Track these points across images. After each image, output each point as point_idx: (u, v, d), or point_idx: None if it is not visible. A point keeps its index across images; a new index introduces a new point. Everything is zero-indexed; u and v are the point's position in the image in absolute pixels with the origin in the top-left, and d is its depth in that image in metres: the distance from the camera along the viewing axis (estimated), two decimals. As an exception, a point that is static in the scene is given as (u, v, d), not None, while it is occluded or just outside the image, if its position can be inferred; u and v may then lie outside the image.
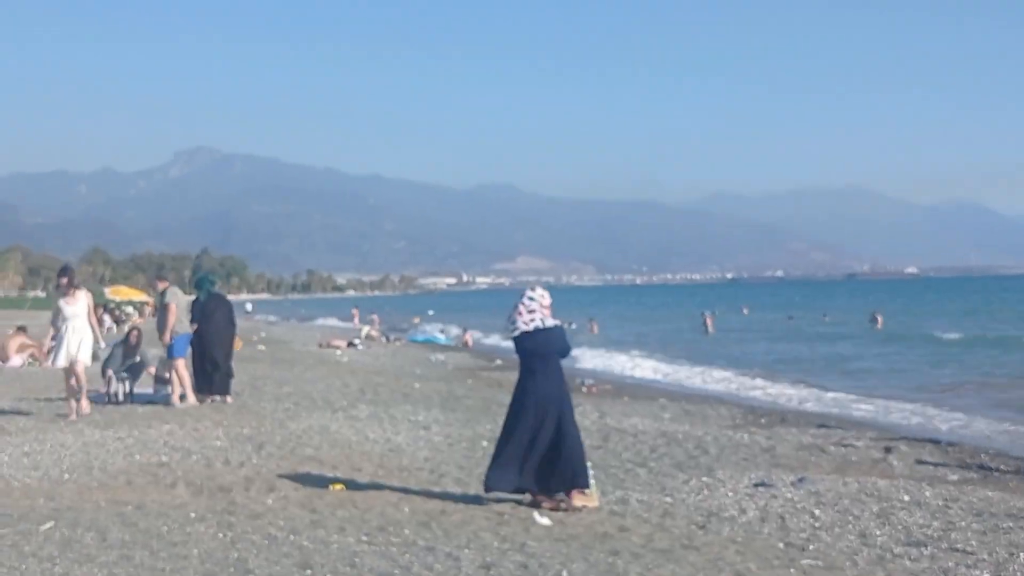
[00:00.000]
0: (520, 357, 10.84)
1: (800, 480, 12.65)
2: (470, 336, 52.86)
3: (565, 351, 10.89)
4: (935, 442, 17.33)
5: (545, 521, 9.91)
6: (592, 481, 11.08)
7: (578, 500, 10.76)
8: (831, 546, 9.29)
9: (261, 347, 41.84)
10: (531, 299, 10.75)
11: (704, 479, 12.82)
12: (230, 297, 22.13)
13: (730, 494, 11.81)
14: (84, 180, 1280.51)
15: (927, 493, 11.73)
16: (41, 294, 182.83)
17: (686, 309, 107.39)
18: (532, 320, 10.62)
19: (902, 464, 14.79)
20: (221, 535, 8.90)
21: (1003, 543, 9.30)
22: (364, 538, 8.89)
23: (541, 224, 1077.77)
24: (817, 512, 10.68)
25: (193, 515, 9.74)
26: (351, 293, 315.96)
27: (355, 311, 71.04)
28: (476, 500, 11.01)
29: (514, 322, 10.70)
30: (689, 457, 14.76)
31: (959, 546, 9.19)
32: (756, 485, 12.39)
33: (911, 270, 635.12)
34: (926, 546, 9.22)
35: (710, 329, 63.61)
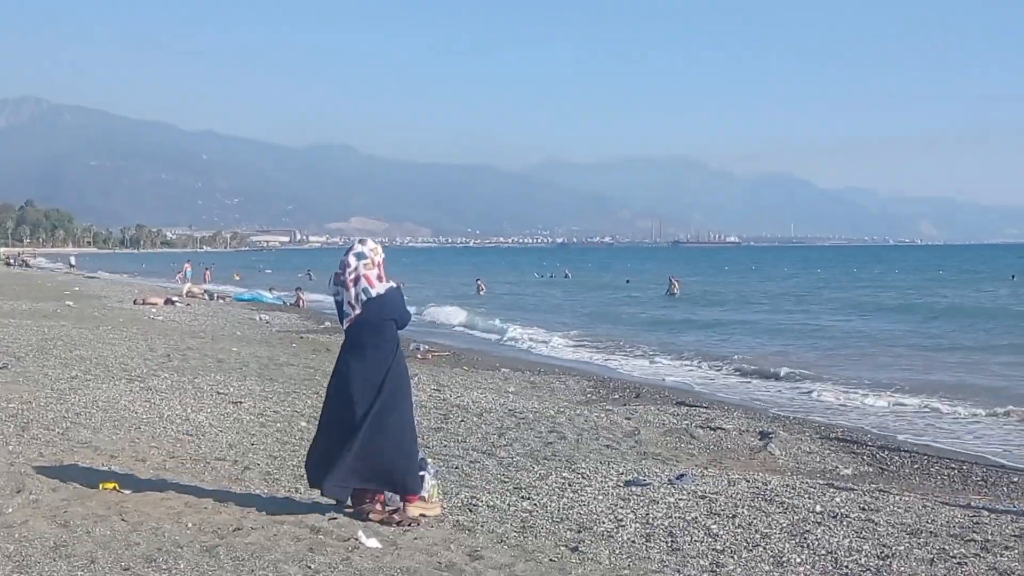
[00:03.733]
0: (343, 325, 8.49)
1: (679, 477, 10.57)
2: (303, 296, 49.90)
3: (404, 319, 8.59)
4: (808, 424, 15.62)
5: (372, 544, 7.57)
6: (432, 481, 8.82)
7: (414, 508, 8.47)
8: (745, 583, 7.19)
9: (69, 303, 38.34)
10: (360, 255, 8.39)
11: (565, 474, 10.65)
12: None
13: (600, 497, 9.64)
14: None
15: (837, 500, 9.70)
16: None
17: (522, 271, 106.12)
18: (357, 280, 8.29)
19: (785, 454, 12.91)
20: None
21: (961, 578, 7.33)
22: (119, 576, 6.46)
23: (377, 185, 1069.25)
24: (712, 526, 8.55)
25: None
26: (183, 249, 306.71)
27: (187, 264, 67.17)
28: (285, 506, 8.63)
29: (341, 282, 8.34)
30: (544, 444, 12.59)
31: None
32: (628, 483, 10.28)
33: (732, 239, 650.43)
34: None
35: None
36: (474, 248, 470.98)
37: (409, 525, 8.22)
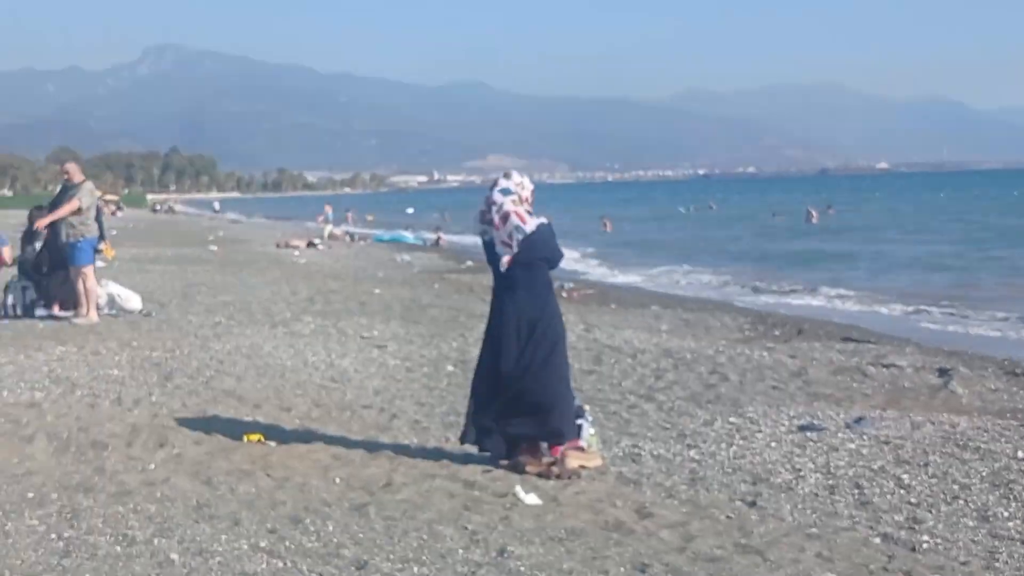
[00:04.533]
0: (493, 267, 7.86)
1: (857, 421, 9.76)
2: (443, 236, 49.65)
3: (556, 257, 7.93)
4: (989, 359, 14.55)
5: (532, 500, 6.98)
6: (590, 429, 8.20)
7: (574, 459, 7.87)
8: (950, 541, 6.38)
9: (213, 248, 38.63)
10: (506, 191, 7.73)
11: (732, 419, 9.92)
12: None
13: (772, 444, 8.90)
14: (52, 78, 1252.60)
15: (1041, 443, 8.82)
16: (8, 193, 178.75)
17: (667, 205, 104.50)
18: (507, 218, 7.64)
19: (968, 392, 11.91)
20: (54, 537, 5.99)
21: None
22: (263, 542, 5.96)
23: (512, 122, 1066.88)
24: (903, 476, 7.76)
25: (32, 495, 6.81)
26: (323, 192, 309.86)
27: (328, 207, 67.31)
28: (436, 458, 8.10)
29: (488, 220, 7.71)
30: (706, 386, 11.82)
31: None
32: (802, 428, 9.51)
33: (882, 165, 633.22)
34: None
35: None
36: (614, 183, 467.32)
37: (569, 478, 7.63)
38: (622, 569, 5.65)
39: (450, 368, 12.59)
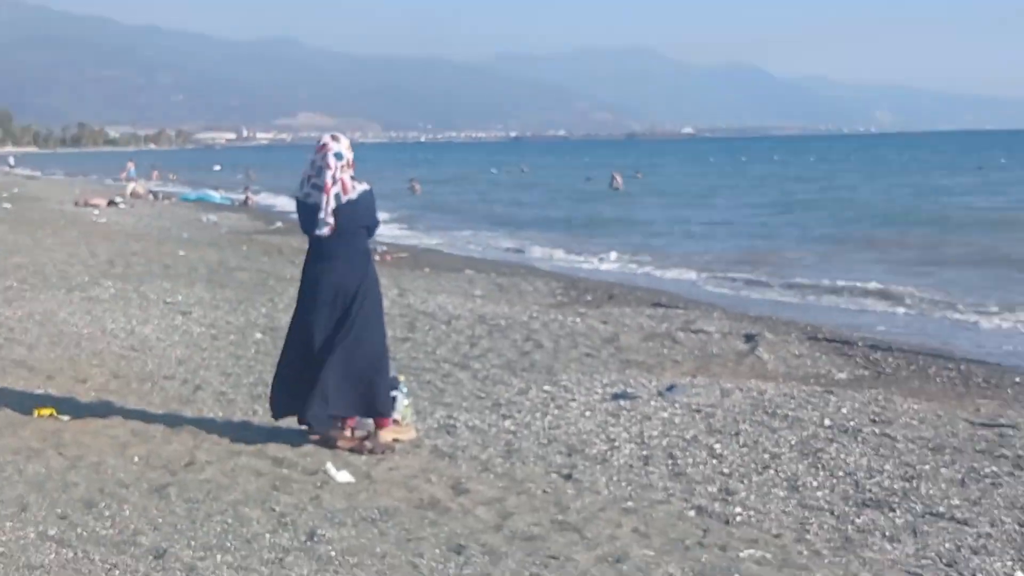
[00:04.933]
0: (309, 233, 7.50)
1: (669, 389, 9.77)
2: (252, 195, 48.58)
3: (374, 224, 7.66)
4: (793, 325, 14.88)
5: (344, 478, 6.73)
6: (404, 400, 7.99)
7: (387, 433, 7.65)
8: (762, 513, 6.39)
9: (6, 205, 36.89)
10: (338, 155, 7.39)
11: (546, 388, 9.83)
12: None
13: (587, 413, 8.83)
14: None
15: (843, 411, 8.91)
16: None
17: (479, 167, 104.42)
18: (335, 185, 7.32)
19: (774, 358, 12.11)
20: None
21: (999, 503, 6.55)
22: (53, 530, 5.55)
23: (324, 80, 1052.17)
24: (715, 446, 7.77)
25: None
26: (126, 148, 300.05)
27: (131, 163, 64.84)
28: (242, 433, 7.75)
29: (315, 185, 7.36)
30: (520, 353, 11.72)
31: (941, 510, 6.40)
32: (615, 397, 9.47)
33: (688, 130, 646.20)
34: (893, 509, 6.42)
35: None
36: (427, 143, 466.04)
37: (383, 452, 7.40)
38: (437, 551, 5.45)
39: (258, 335, 12.20)
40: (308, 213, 7.41)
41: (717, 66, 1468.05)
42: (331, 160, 7.31)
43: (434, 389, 9.69)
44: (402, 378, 8.43)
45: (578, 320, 14.10)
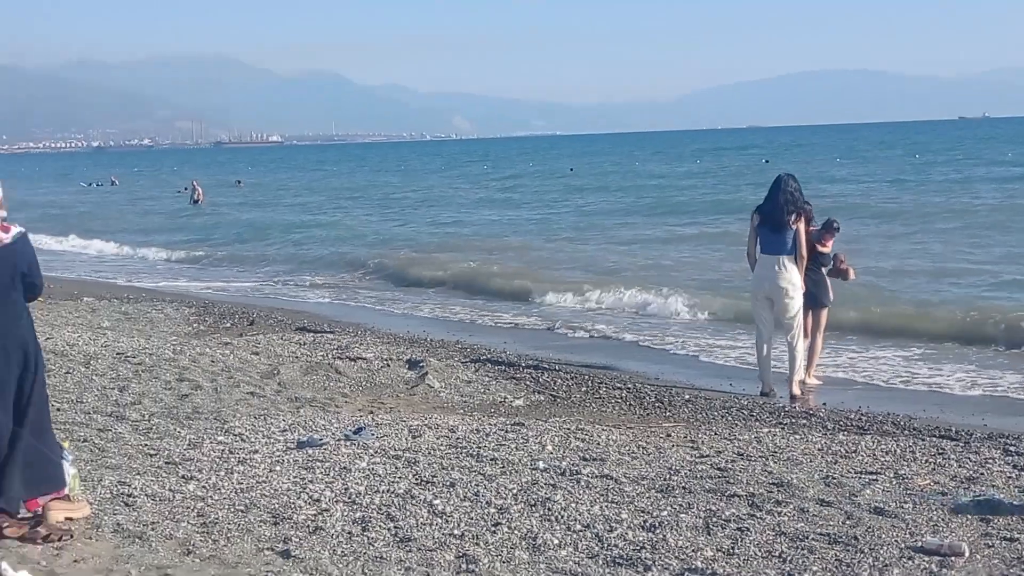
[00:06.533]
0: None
1: (357, 432, 9.07)
2: None
3: (41, 281, 6.60)
4: (447, 345, 14.58)
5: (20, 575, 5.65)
6: (71, 469, 6.90)
7: (59, 512, 6.57)
8: (513, 582, 5.84)
9: None
10: None
11: (220, 438, 8.92)
12: None
13: (276, 467, 7.97)
14: None
15: (549, 447, 8.48)
16: None
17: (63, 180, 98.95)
18: None
19: (445, 386, 11.69)
20: None
21: (755, 552, 6.20)
22: None
23: None
24: (434, 501, 7.04)
25: None
26: None
27: None
28: None
29: None
30: (178, 396, 10.66)
31: (699, 564, 5.85)
32: (301, 445, 8.68)
33: (275, 138, 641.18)
34: (648, 567, 5.87)
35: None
36: (3, 154, 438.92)
37: (60, 539, 6.32)
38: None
39: None
40: None
41: (300, 74, 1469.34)
42: None
43: (94, 448, 8.54)
44: (67, 444, 7.28)
45: (227, 352, 13.12)
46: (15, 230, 6.32)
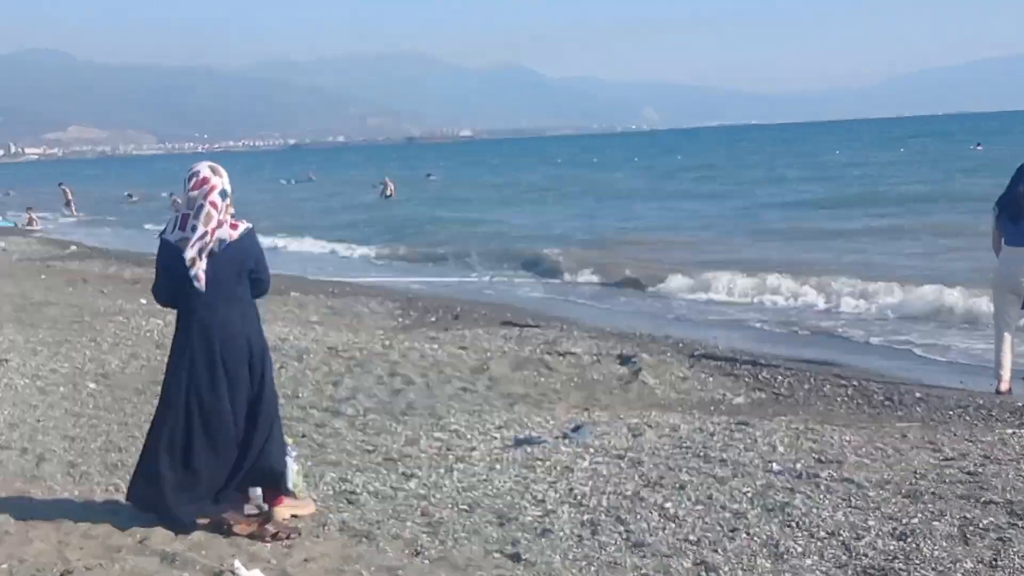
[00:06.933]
0: (179, 282, 6.29)
1: (575, 430, 8.89)
2: (34, 216, 45.77)
3: (268, 278, 6.60)
4: (662, 341, 14.27)
5: (253, 574, 5.62)
6: (294, 466, 6.86)
7: (283, 510, 6.55)
8: (759, 589, 5.55)
9: None
10: (223, 193, 6.26)
11: (437, 435, 8.86)
12: None
13: (496, 466, 7.83)
14: None
15: (780, 449, 8.10)
16: None
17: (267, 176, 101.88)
18: (220, 228, 6.21)
19: (660, 383, 11.40)
20: None
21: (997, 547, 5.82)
22: None
23: (95, 92, 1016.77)
24: (666, 504, 6.76)
25: None
26: None
27: None
28: (111, 518, 6.53)
29: (192, 227, 6.19)
30: (391, 392, 10.69)
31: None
32: (519, 443, 8.54)
33: (466, 133, 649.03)
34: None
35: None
36: (205, 154, 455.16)
37: (288, 536, 6.29)
38: None
39: (91, 386, 10.79)
40: (175, 259, 6.23)
41: (488, 68, 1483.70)
42: (217, 199, 6.19)
43: (313, 444, 8.57)
44: (291, 440, 7.27)
45: (435, 347, 13.10)
46: (243, 226, 6.31)
